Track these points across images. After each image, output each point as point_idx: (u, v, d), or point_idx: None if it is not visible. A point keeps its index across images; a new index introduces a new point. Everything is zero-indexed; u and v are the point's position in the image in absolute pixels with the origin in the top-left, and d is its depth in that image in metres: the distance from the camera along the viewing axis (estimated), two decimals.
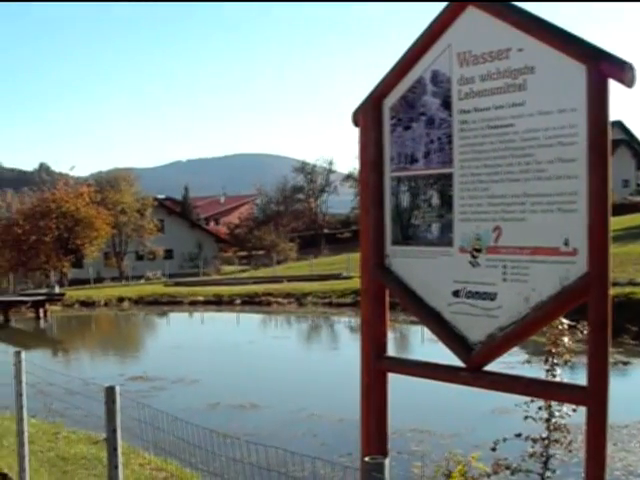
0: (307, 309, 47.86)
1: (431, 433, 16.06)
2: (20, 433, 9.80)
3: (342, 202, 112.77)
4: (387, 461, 3.91)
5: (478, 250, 4.65)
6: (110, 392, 7.36)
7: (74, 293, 57.98)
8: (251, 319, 47.26)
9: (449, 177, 4.83)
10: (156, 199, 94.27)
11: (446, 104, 4.86)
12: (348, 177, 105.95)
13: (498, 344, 4.58)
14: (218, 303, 52.71)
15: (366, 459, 3.96)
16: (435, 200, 4.94)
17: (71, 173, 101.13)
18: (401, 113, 5.19)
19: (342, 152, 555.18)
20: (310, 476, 7.94)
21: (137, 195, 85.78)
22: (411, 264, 5.13)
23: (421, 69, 5.03)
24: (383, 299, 5.38)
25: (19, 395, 9.83)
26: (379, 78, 5.35)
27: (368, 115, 5.37)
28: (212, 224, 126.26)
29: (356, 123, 5.49)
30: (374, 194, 5.31)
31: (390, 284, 5.29)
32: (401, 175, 5.17)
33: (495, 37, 4.53)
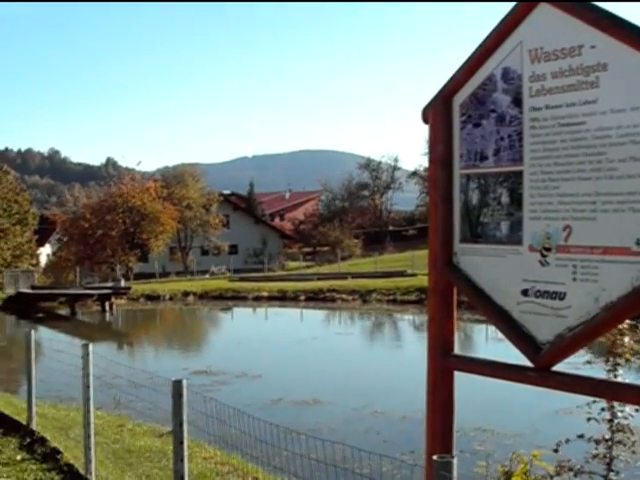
0: (371, 306, 47.79)
1: (494, 432, 15.96)
2: (87, 425, 9.91)
3: (407, 199, 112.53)
4: (455, 460, 3.88)
5: (548, 249, 4.60)
6: (177, 386, 7.41)
7: (139, 287, 58.45)
8: (315, 315, 47.30)
9: (519, 175, 4.78)
10: (222, 194, 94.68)
11: (517, 101, 4.81)
12: (413, 174, 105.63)
13: (567, 344, 4.53)
14: (282, 299, 52.82)
15: (434, 457, 3.93)
16: (505, 198, 4.89)
17: (138, 168, 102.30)
18: (471, 110, 5.15)
19: (408, 149, 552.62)
20: (372, 473, 7.88)
21: (203, 190, 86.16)
22: (480, 262, 5.09)
23: (492, 66, 4.99)
24: (451, 297, 5.35)
25: (86, 387, 9.94)
26: (448, 76, 5.32)
27: (438, 112, 5.34)
28: (277, 220, 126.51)
29: (425, 120, 5.46)
30: (443, 191, 5.28)
31: (458, 282, 5.26)
32: (470, 172, 5.14)
33: (567, 34, 4.48)
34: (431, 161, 5.44)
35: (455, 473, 3.84)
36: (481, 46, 5.04)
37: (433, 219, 5.38)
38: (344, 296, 50.60)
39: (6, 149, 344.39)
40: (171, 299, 56.10)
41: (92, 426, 9.91)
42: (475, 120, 5.11)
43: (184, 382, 7.44)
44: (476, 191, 5.09)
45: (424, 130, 5.50)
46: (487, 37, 4.99)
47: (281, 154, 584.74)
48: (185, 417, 7.40)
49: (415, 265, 57.38)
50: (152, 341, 40.71)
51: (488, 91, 5.02)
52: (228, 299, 54.88)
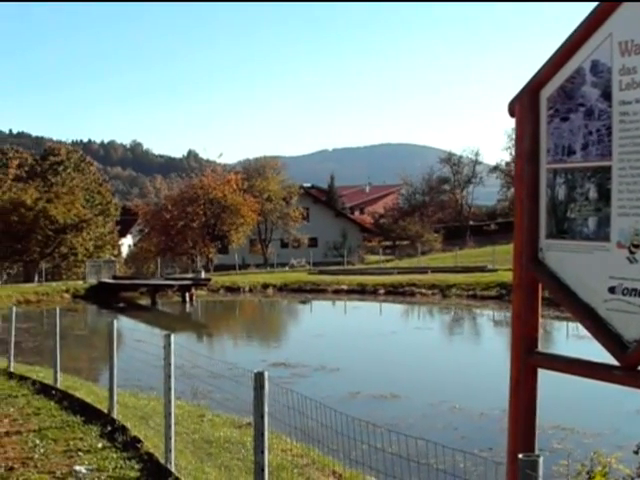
0: (451, 301, 47.59)
1: (573, 431, 15.75)
2: (167, 415, 9.98)
3: (488, 194, 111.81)
4: (541, 459, 3.81)
5: (636, 246, 4.50)
6: (259, 378, 7.42)
7: (219, 278, 58.91)
8: (394, 309, 47.24)
9: (608, 170, 4.68)
10: (302, 187, 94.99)
11: (606, 95, 4.72)
12: (495, 168, 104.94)
13: None
14: (361, 292, 52.81)
15: (520, 456, 3.87)
16: (592, 193, 4.80)
17: (219, 160, 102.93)
18: (559, 104, 5.07)
19: (489, 143, 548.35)
20: (450, 469, 7.83)
21: (283, 183, 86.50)
22: (566, 258, 5.01)
23: (580, 59, 4.90)
24: (536, 293, 5.28)
25: (168, 377, 10.02)
26: (532, 69, 5.25)
27: (524, 106, 5.26)
28: (357, 213, 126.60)
29: (512, 113, 5.38)
30: (529, 186, 5.21)
31: (543, 278, 5.18)
32: (557, 167, 5.05)
33: None
34: (517, 155, 5.36)
35: (541, 472, 3.78)
36: (569, 39, 4.95)
37: (518, 214, 5.31)
38: (423, 290, 50.46)
39: (89, 141, 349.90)
40: (251, 291, 56.44)
41: (173, 416, 9.98)
42: (563, 114, 5.03)
43: (266, 374, 7.45)
44: (563, 186, 5.01)
45: (506, 124, 5.48)
46: (575, 29, 4.90)
47: (361, 147, 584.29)
48: (266, 409, 7.41)
49: (496, 260, 57.04)
50: (231, 332, 40.98)
51: (576, 84, 4.93)
52: (307, 292, 55.06)
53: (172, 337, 10.05)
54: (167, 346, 10.01)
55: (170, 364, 9.97)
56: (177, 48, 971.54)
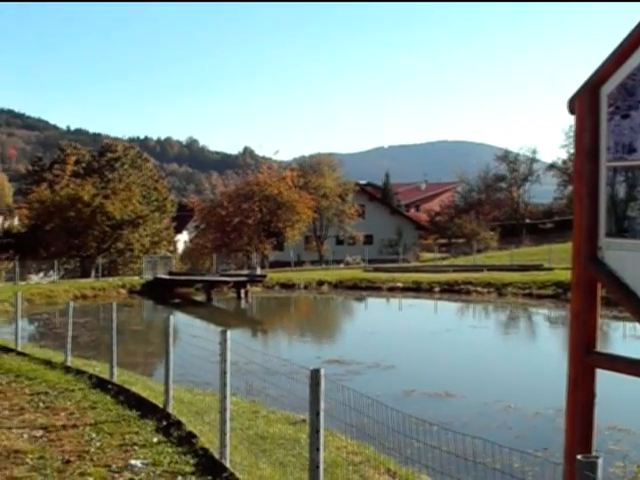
0: (506, 299, 47.32)
1: (630, 432, 15.58)
2: (223, 410, 10.02)
3: (545, 192, 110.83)
4: (601, 461, 3.76)
5: None
6: (315, 375, 7.42)
7: (275, 275, 59.06)
8: (449, 307, 47.07)
9: None
10: (358, 184, 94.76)
11: None
12: (552, 166, 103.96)
13: None
14: (417, 290, 52.72)
15: (579, 457, 3.82)
16: None
17: (275, 157, 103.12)
18: (619, 101, 5.00)
19: (546, 141, 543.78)
20: (504, 468, 7.79)
21: (339, 180, 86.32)
22: (625, 257, 4.94)
23: None
24: (594, 292, 5.22)
25: (223, 373, 10.05)
26: (594, 66, 5.19)
27: (584, 103, 5.21)
28: (412, 210, 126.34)
29: (572, 111, 5.33)
30: (588, 184, 5.15)
31: (602, 277, 5.12)
32: (618, 165, 4.99)
33: None
34: (577, 153, 5.30)
35: (600, 474, 3.73)
36: (630, 36, 4.90)
37: (578, 212, 5.26)
38: (479, 289, 50.29)
39: (146, 138, 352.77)
40: (306, 288, 56.53)
41: (228, 412, 10.02)
42: (623, 111, 4.97)
43: (322, 371, 7.44)
44: (623, 184, 4.95)
45: (563, 122, 5.40)
46: (636, 27, 4.84)
47: (417, 145, 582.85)
48: (322, 406, 7.40)
49: (552, 259, 56.73)
50: (286, 329, 41.05)
51: (637, 81, 4.87)
52: (362, 289, 55.05)
53: (228, 333, 10.08)
54: (223, 342, 10.04)
55: (226, 360, 10.00)
56: (233, 44, 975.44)
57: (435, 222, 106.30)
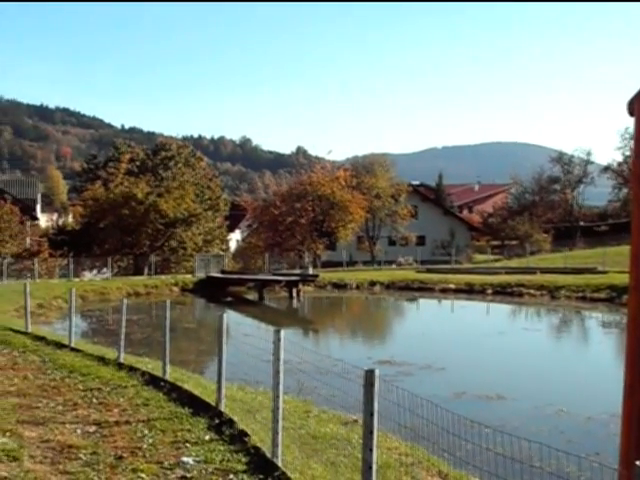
0: (559, 302, 47.01)
1: None
2: (275, 409, 10.04)
3: (599, 194, 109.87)
4: None
5: None
6: (369, 375, 7.41)
7: (327, 275, 59.13)
8: (501, 309, 46.84)
9: None
10: (410, 185, 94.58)
11: None
12: (606, 169, 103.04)
13: None
14: (469, 292, 52.51)
15: (638, 463, 3.76)
16: None
17: (328, 157, 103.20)
18: None
19: (601, 142, 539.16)
20: (557, 472, 7.73)
21: (392, 180, 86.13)
22: None
23: None
24: None
25: (276, 372, 10.06)
26: None
27: None
28: (465, 212, 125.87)
29: (631, 112, 5.27)
30: None
31: None
32: None
33: None
34: (635, 155, 5.24)
35: None
36: None
37: (635, 215, 5.19)
38: (532, 291, 50.03)
39: (199, 136, 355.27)
40: (357, 288, 56.53)
41: (280, 411, 10.04)
42: None
43: (376, 372, 7.43)
44: None
45: (619, 124, 5.32)
46: None
47: (471, 145, 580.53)
48: (376, 407, 7.38)
49: (606, 262, 56.32)
50: (337, 329, 41.07)
51: None
52: (414, 290, 54.95)
53: (282, 333, 10.09)
54: (276, 341, 10.05)
55: (279, 359, 10.01)
56: (288, 45, 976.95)
57: (488, 224, 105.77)
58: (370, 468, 7.37)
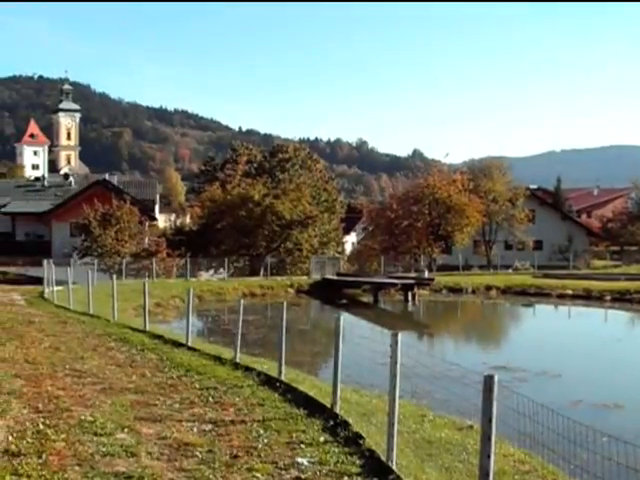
0: None
1: None
2: (391, 413, 10.05)
3: None
4: None
5: None
6: (489, 381, 7.37)
7: (442, 279, 58.80)
8: (620, 317, 46.05)
9: None
10: (528, 189, 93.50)
11: None
12: None
13: None
14: (587, 298, 51.62)
15: None
16: None
17: (444, 160, 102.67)
18: None
19: None
20: None
21: (509, 184, 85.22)
22: None
23: None
24: None
25: (393, 376, 10.07)
26: None
27: None
28: (584, 217, 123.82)
29: None
30: None
31: None
32: None
33: None
34: None
35: None
36: None
37: None
38: None
39: (316, 139, 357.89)
40: (473, 292, 56.17)
41: (396, 414, 10.05)
42: None
43: (495, 377, 7.38)
44: None
45: None
46: None
47: (590, 149, 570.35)
48: (494, 412, 7.34)
49: None
50: (452, 333, 40.91)
51: None
52: (531, 295, 54.35)
53: (399, 336, 10.10)
54: (394, 345, 10.05)
55: (396, 363, 10.01)
56: (399, 48, 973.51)
57: (607, 229, 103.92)
58: (487, 475, 7.31)
